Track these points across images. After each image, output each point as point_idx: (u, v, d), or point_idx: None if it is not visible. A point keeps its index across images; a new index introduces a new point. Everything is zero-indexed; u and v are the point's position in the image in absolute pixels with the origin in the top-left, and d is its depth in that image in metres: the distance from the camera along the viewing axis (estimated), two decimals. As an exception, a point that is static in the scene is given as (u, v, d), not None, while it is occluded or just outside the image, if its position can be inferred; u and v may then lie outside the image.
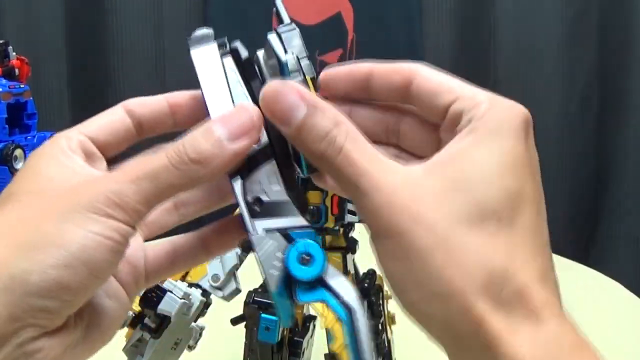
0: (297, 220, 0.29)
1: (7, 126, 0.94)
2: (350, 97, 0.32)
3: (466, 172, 0.26)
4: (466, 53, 1.48)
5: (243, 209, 0.29)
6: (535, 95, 1.47)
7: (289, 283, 0.29)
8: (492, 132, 0.27)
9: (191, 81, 0.32)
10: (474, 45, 1.48)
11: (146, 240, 0.33)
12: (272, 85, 0.28)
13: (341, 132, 0.27)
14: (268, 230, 0.29)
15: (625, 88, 1.47)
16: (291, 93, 0.27)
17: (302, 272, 0.28)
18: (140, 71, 1.52)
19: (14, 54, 1.02)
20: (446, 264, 0.25)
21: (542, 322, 0.25)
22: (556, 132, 1.47)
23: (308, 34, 1.65)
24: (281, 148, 0.29)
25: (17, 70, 1.01)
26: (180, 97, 0.32)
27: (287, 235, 0.29)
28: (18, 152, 0.93)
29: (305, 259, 0.28)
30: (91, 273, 0.26)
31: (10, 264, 0.25)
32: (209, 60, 0.30)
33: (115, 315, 0.30)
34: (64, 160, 0.28)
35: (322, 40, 1.51)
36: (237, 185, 0.29)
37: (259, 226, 0.29)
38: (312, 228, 0.29)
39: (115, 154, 0.31)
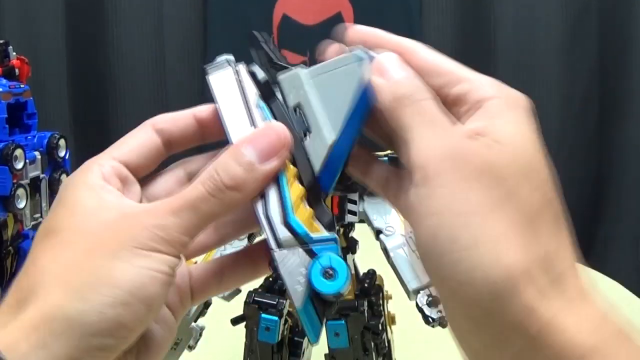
0: (321, 236, 0.29)
1: (7, 126, 0.94)
2: None
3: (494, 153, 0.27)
4: (466, 53, 1.47)
5: (265, 226, 0.29)
6: (535, 95, 1.46)
7: (315, 298, 0.29)
8: (507, 114, 0.28)
9: (191, 81, 0.32)
10: (474, 45, 1.48)
11: (187, 259, 0.33)
12: (387, 54, 0.29)
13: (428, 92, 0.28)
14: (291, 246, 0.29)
15: (625, 88, 1.47)
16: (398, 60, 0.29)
17: (326, 287, 0.28)
18: (140, 71, 1.52)
19: (14, 54, 1.02)
20: (501, 236, 0.25)
21: (584, 306, 0.26)
22: (556, 133, 1.47)
23: (308, 34, 1.66)
24: (306, 170, 0.29)
25: (17, 70, 1.01)
26: (206, 111, 0.31)
27: (309, 250, 0.29)
28: (18, 152, 0.93)
29: (329, 274, 0.28)
30: (146, 308, 0.26)
31: (66, 307, 0.25)
32: (225, 84, 0.30)
33: (164, 340, 0.30)
34: (100, 192, 0.28)
35: (322, 40, 1.50)
36: (259, 204, 0.29)
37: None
38: (333, 241, 0.29)
39: (146, 174, 0.32)
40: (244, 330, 0.62)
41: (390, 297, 0.65)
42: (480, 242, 0.25)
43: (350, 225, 0.64)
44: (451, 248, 0.25)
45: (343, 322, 0.59)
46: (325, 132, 0.29)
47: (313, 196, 0.30)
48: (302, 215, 0.29)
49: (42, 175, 0.99)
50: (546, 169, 0.28)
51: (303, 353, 0.64)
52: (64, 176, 0.90)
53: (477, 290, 0.25)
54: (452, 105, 0.29)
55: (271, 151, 0.28)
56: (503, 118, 0.27)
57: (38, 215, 0.86)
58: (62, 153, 1.02)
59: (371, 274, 0.64)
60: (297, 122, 0.30)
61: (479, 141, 0.27)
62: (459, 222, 0.25)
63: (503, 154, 0.26)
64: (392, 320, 0.65)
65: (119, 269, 0.26)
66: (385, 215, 0.60)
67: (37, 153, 0.99)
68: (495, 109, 0.28)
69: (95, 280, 0.26)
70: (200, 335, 0.64)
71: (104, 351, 0.26)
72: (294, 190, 0.29)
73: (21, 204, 0.90)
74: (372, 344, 0.60)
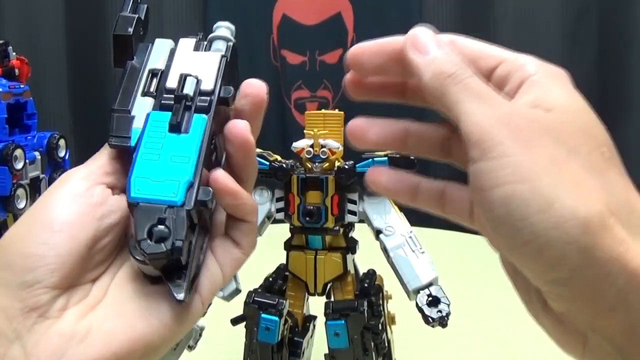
0: None
1: (7, 126, 0.94)
2: (383, 72, 0.32)
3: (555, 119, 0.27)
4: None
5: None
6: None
7: None
8: (553, 84, 0.28)
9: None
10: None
11: None
12: (422, 28, 0.31)
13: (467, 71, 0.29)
14: None
15: (625, 88, 1.47)
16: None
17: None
18: (140, 71, 1.52)
19: (14, 54, 1.02)
20: (574, 187, 0.25)
21: None
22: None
23: (308, 33, 1.65)
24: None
25: (17, 70, 1.01)
26: None
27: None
28: (18, 152, 0.93)
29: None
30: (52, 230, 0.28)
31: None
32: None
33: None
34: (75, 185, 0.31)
35: (322, 40, 1.51)
36: None
37: None
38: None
39: None
40: (244, 330, 0.62)
41: (390, 297, 0.65)
42: (554, 201, 0.25)
43: (350, 225, 0.64)
44: (526, 213, 0.25)
45: (343, 322, 0.59)
46: None
47: None
48: None
49: (42, 175, 0.99)
50: (604, 131, 0.28)
51: (303, 353, 0.64)
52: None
53: (560, 249, 0.25)
54: (495, 87, 0.29)
55: None
56: (551, 88, 0.28)
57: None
58: (62, 153, 1.02)
59: (371, 274, 0.64)
60: None
61: (533, 110, 0.27)
62: (529, 187, 0.25)
63: (560, 117, 0.27)
64: (392, 320, 0.65)
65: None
66: (385, 215, 0.60)
67: (37, 153, 0.99)
68: (541, 82, 0.28)
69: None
70: (200, 335, 0.64)
71: (30, 288, 0.27)
72: None
73: (21, 204, 0.90)
74: (372, 344, 0.60)
